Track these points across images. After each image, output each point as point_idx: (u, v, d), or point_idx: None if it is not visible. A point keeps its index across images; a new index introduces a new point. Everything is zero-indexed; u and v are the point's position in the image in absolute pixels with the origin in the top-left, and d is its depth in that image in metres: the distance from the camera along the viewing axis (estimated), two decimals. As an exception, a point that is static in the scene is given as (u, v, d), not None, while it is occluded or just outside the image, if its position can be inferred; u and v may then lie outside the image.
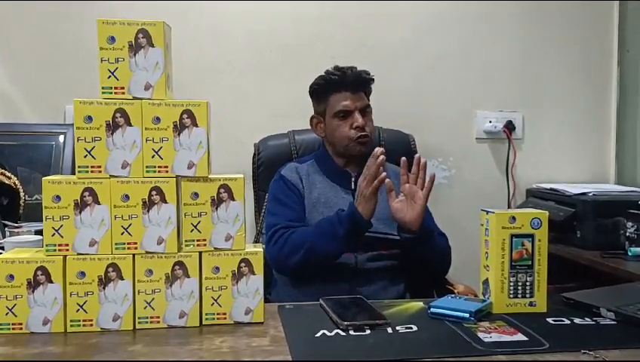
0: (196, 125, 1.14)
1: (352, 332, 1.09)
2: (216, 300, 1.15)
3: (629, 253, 1.87)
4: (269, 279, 1.75)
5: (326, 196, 1.78)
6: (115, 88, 1.13)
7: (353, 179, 1.81)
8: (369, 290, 1.60)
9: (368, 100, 1.84)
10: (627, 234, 1.92)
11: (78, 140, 1.11)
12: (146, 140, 1.13)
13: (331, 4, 2.37)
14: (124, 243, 1.12)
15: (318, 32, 2.38)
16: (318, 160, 1.88)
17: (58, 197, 1.11)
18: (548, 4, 2.49)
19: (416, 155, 1.66)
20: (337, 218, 1.62)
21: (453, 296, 1.30)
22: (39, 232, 1.38)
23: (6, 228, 1.59)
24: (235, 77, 2.34)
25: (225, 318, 1.15)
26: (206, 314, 1.15)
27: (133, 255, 1.13)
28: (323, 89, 1.84)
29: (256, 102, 2.35)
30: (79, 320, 1.11)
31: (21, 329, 1.10)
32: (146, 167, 1.13)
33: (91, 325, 1.12)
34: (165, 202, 1.13)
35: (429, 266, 1.73)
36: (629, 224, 1.92)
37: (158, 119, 1.13)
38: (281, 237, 1.66)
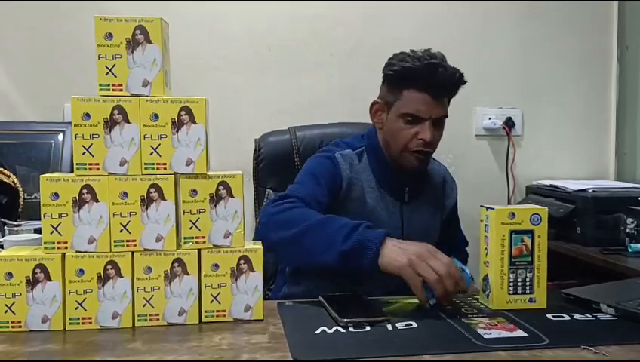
0: (194, 122, 1.13)
1: (351, 329, 1.09)
2: (215, 297, 1.15)
3: (629, 250, 1.86)
4: (268, 275, 1.75)
5: (373, 209, 1.56)
6: (113, 85, 1.12)
7: (407, 189, 1.60)
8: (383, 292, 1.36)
9: (448, 105, 1.55)
10: (627, 230, 1.92)
11: (75, 137, 1.11)
12: (144, 137, 1.12)
13: (330, 2, 2.36)
14: (123, 241, 1.12)
15: (316, 30, 2.37)
16: (369, 151, 1.61)
17: (56, 195, 1.10)
18: (547, 1, 2.48)
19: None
20: (354, 228, 1.26)
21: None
22: (38, 231, 1.38)
23: (5, 227, 1.59)
24: (233, 74, 2.33)
25: (224, 315, 1.15)
26: (205, 312, 1.15)
27: (132, 252, 1.12)
28: (398, 78, 1.52)
29: (254, 99, 2.35)
30: (78, 318, 1.11)
31: (20, 327, 1.10)
32: (145, 164, 1.13)
33: (90, 323, 1.11)
34: (164, 199, 1.13)
35: None
36: (629, 220, 1.91)
37: (156, 116, 1.12)
38: (287, 203, 1.38)
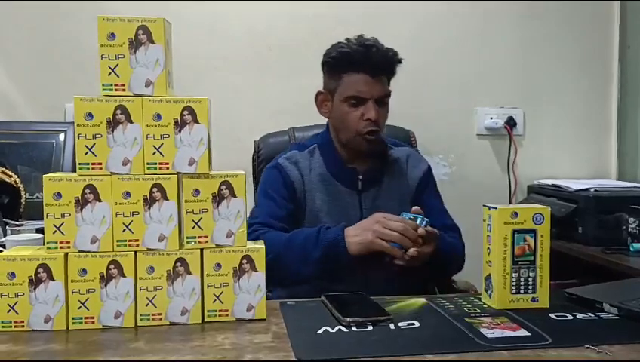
0: (197, 122, 1.13)
1: (354, 329, 1.09)
2: (218, 297, 1.15)
3: (631, 249, 1.86)
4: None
5: (329, 204, 1.60)
6: (116, 85, 1.12)
7: (360, 178, 1.63)
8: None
9: (389, 86, 1.61)
10: (629, 229, 1.92)
11: (78, 137, 1.11)
12: (147, 137, 1.12)
13: (330, 2, 2.36)
14: (126, 241, 1.12)
15: (316, 30, 2.37)
16: (321, 146, 1.67)
17: (59, 195, 1.10)
18: (547, 1, 2.48)
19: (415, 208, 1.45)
20: (316, 236, 1.42)
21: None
22: (40, 230, 1.37)
23: (7, 227, 1.59)
24: (233, 74, 2.34)
25: (227, 315, 1.15)
26: (208, 311, 1.15)
27: (135, 252, 1.12)
28: (337, 64, 1.59)
29: (254, 99, 2.35)
30: (81, 318, 1.11)
31: (23, 326, 1.10)
32: (147, 163, 1.12)
33: (93, 322, 1.11)
34: (166, 199, 1.13)
35: (443, 270, 1.61)
36: (631, 220, 1.91)
37: (158, 116, 1.12)
38: (253, 234, 1.45)
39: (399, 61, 1.60)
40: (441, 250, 1.47)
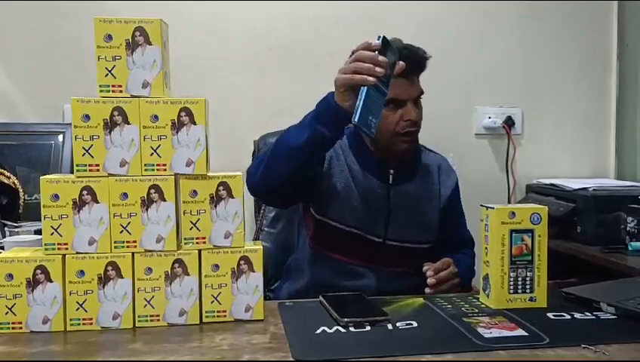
0: (194, 123, 1.13)
1: (352, 329, 1.09)
2: (216, 298, 1.15)
3: (630, 248, 1.86)
4: (268, 276, 1.75)
5: (361, 189, 1.56)
6: (113, 86, 1.12)
7: (392, 172, 1.59)
8: None
9: (419, 81, 1.61)
10: (627, 228, 1.92)
11: (76, 139, 1.11)
12: (144, 138, 1.12)
13: (330, 2, 2.36)
14: (124, 242, 1.12)
15: (316, 30, 2.37)
16: (350, 137, 1.62)
17: (56, 196, 1.10)
18: (547, 1, 2.48)
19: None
20: (307, 115, 1.41)
21: None
22: (39, 232, 1.37)
23: (6, 228, 1.59)
24: (233, 74, 2.33)
25: (225, 316, 1.15)
26: (206, 312, 1.15)
27: (133, 253, 1.12)
28: None
29: (254, 99, 2.35)
30: (79, 319, 1.11)
31: (21, 328, 1.10)
32: (145, 165, 1.13)
33: (91, 324, 1.12)
34: (164, 200, 1.13)
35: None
36: (630, 219, 1.91)
37: (156, 117, 1.13)
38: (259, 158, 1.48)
39: (428, 57, 1.60)
40: (465, 278, 1.57)
